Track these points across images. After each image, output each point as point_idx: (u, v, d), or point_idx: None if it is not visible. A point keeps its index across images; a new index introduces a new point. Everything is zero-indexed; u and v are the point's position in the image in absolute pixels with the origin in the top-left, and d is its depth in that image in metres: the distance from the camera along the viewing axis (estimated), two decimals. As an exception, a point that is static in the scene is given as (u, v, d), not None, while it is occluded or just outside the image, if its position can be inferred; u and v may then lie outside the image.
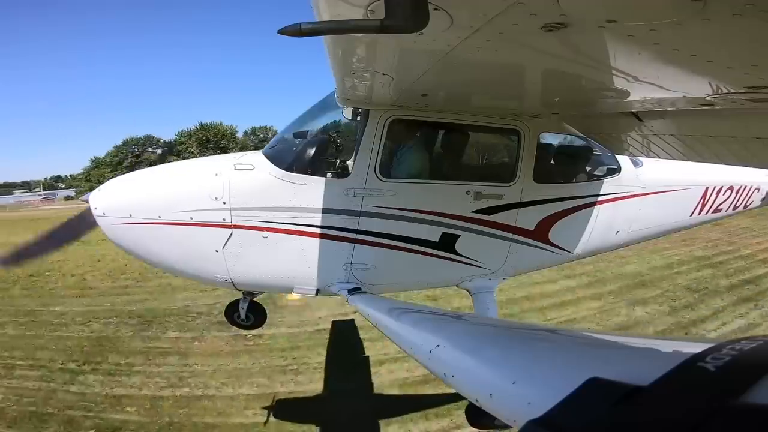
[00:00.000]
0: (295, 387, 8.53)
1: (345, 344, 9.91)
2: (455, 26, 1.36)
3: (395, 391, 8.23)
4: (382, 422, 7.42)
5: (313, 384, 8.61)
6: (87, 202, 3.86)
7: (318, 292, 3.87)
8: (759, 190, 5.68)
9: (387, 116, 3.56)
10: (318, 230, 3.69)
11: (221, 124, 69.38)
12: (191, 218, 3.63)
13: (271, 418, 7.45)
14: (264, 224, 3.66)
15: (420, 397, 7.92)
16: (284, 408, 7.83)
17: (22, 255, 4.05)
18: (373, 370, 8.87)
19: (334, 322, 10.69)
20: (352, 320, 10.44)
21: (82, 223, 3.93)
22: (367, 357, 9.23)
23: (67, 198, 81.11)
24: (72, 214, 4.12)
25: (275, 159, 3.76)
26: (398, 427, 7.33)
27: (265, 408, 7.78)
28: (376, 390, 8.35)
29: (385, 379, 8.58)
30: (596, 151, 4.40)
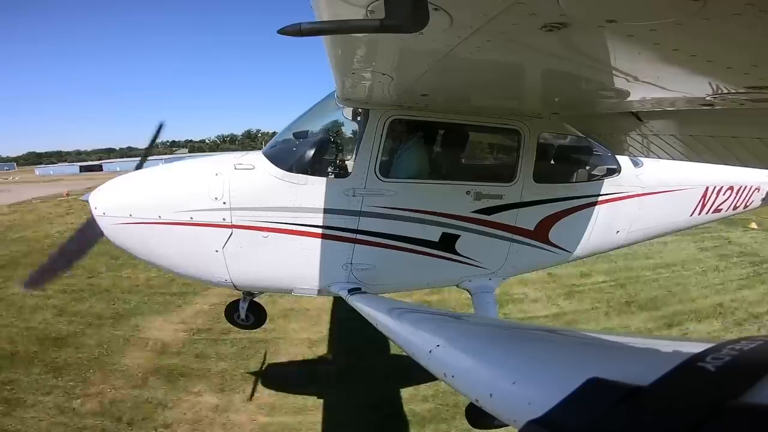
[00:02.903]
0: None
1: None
2: (455, 26, 1.36)
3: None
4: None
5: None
6: (87, 201, 3.86)
7: (318, 292, 3.87)
8: (759, 190, 5.68)
9: (387, 116, 3.56)
10: (318, 230, 3.69)
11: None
12: (191, 218, 3.63)
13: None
14: (264, 224, 3.66)
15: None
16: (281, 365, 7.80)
17: (40, 278, 4.09)
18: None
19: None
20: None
21: (90, 233, 3.91)
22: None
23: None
24: (77, 227, 4.10)
25: (275, 159, 3.76)
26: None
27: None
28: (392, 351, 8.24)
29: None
30: (596, 151, 4.40)
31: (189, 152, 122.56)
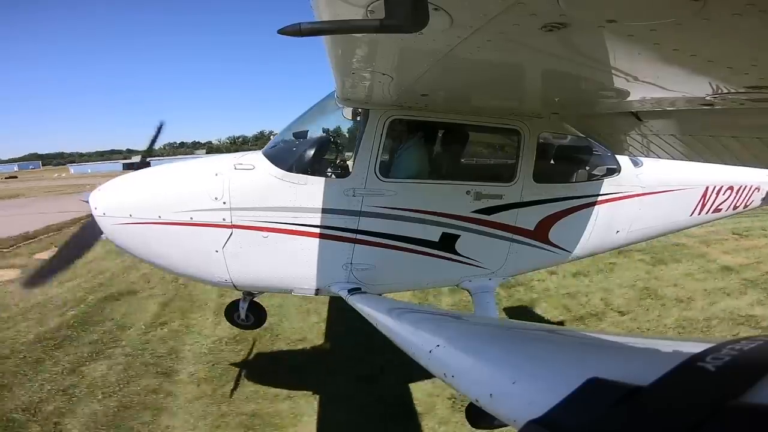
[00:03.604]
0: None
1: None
2: (455, 26, 1.36)
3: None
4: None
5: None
6: (86, 201, 3.86)
7: (318, 292, 3.87)
8: (759, 189, 5.69)
9: (387, 116, 3.56)
10: (318, 230, 3.69)
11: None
12: (191, 218, 3.63)
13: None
14: (264, 224, 3.66)
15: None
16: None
17: (37, 278, 4.14)
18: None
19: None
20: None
21: (89, 235, 3.96)
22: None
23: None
24: (76, 229, 4.11)
25: (275, 159, 3.76)
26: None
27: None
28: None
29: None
30: (596, 151, 4.41)
31: (206, 152, 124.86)
